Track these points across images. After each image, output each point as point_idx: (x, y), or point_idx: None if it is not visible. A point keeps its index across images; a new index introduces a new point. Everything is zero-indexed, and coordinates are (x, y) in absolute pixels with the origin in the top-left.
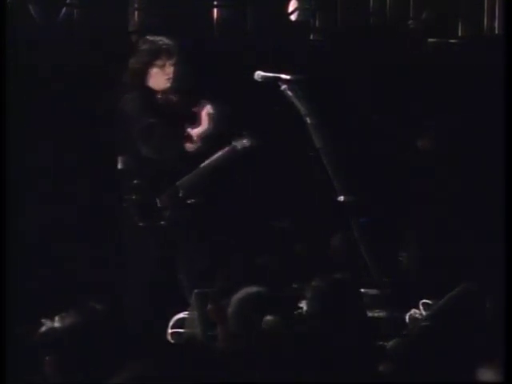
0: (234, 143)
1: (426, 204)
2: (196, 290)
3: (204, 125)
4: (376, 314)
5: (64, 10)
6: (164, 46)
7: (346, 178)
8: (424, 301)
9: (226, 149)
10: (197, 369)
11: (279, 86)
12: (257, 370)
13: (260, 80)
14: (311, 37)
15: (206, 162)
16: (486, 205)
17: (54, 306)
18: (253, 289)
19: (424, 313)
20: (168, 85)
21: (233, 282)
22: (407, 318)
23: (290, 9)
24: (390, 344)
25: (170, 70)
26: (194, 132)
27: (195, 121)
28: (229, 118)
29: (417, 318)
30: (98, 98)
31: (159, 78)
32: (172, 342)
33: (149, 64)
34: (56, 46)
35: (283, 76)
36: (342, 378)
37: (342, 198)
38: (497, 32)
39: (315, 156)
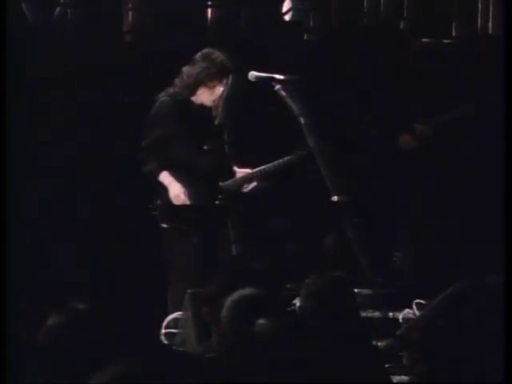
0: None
1: (420, 204)
2: (189, 291)
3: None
4: (370, 314)
5: (58, 9)
6: (221, 69)
7: (339, 178)
8: (417, 301)
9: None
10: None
11: (273, 86)
12: (250, 372)
13: (254, 80)
14: (305, 37)
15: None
16: (480, 204)
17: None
18: (247, 291)
19: (417, 313)
20: (212, 104)
21: (228, 283)
22: (401, 317)
23: (284, 9)
24: (383, 344)
25: (219, 91)
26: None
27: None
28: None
29: (410, 318)
30: (94, 98)
31: (206, 97)
32: (165, 342)
33: (200, 83)
34: (49, 46)
35: (277, 76)
36: (334, 377)
37: (335, 198)
38: (491, 32)
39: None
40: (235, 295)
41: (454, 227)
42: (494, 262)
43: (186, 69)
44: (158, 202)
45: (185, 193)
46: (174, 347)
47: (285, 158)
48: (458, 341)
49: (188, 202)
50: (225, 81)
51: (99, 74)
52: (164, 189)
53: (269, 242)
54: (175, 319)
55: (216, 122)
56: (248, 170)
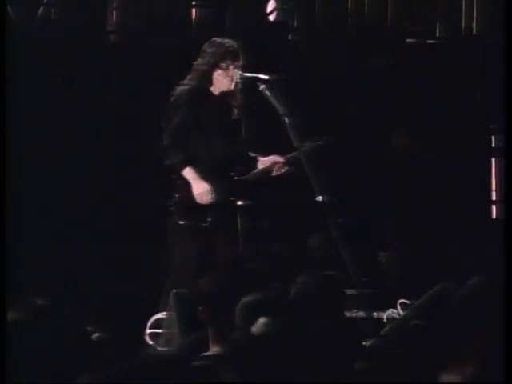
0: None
1: (404, 204)
2: (174, 291)
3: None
4: (354, 314)
5: (41, 9)
6: (230, 48)
7: (324, 178)
8: (402, 300)
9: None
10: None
11: (258, 86)
12: (243, 372)
13: (238, 80)
14: (290, 37)
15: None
16: (466, 205)
17: None
18: (258, 294)
19: (402, 312)
20: (231, 87)
21: (220, 282)
22: (385, 317)
23: (269, 9)
24: (368, 344)
25: (233, 72)
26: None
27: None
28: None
29: (395, 318)
30: (82, 97)
31: (222, 80)
32: (149, 342)
33: (214, 66)
34: (34, 46)
35: (262, 76)
36: (319, 377)
37: (320, 198)
38: (475, 33)
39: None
40: (249, 297)
41: (439, 227)
42: (479, 263)
43: (197, 62)
44: (177, 196)
45: (209, 191)
46: (158, 347)
47: (309, 144)
48: (441, 340)
49: (211, 201)
50: (236, 63)
51: (83, 73)
52: (184, 185)
53: (260, 242)
54: (159, 319)
55: (234, 114)
56: (274, 157)
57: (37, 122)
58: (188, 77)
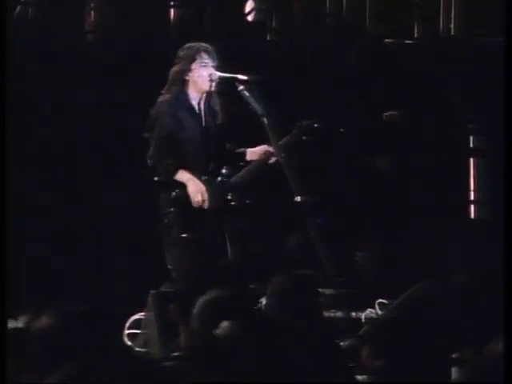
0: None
1: (382, 204)
2: (152, 291)
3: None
4: (332, 314)
5: (18, 8)
6: (202, 47)
7: (302, 179)
8: (380, 300)
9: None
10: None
11: (236, 87)
12: (216, 371)
13: (217, 80)
14: (268, 37)
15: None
16: (444, 205)
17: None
18: (217, 291)
19: (380, 312)
20: (211, 87)
21: (194, 282)
22: (363, 317)
23: (247, 9)
24: (345, 344)
25: (211, 68)
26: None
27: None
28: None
29: (372, 318)
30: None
31: (202, 73)
32: (128, 343)
33: (190, 68)
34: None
35: (240, 76)
36: (297, 377)
37: (298, 199)
38: (452, 33)
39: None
40: (207, 295)
41: (417, 227)
42: (457, 262)
43: (172, 68)
44: (172, 209)
45: (204, 191)
46: (136, 348)
47: (293, 131)
48: (419, 340)
49: (206, 198)
50: (211, 61)
51: (60, 72)
52: (180, 196)
53: (235, 241)
54: (138, 320)
55: (218, 116)
56: (264, 147)
57: (15, 122)
58: (166, 86)
